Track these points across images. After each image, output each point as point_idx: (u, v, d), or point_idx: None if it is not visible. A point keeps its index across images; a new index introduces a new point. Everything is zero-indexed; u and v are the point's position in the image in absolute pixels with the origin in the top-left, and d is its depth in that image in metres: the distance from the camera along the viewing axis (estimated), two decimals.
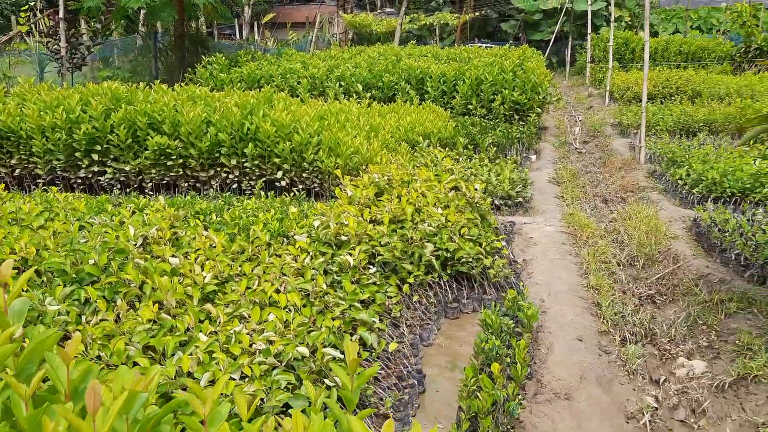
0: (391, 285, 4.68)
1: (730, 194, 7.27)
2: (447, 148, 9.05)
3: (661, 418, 3.70)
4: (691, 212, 7.16)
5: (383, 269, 4.87)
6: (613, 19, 19.90)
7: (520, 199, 7.53)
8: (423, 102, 11.36)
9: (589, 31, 20.37)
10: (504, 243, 5.83)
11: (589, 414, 3.66)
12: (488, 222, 5.79)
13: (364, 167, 7.29)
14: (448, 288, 4.96)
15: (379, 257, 4.86)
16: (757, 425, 3.50)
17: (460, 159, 8.47)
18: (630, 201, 8.05)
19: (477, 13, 29.56)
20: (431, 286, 4.95)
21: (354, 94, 11.80)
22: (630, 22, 28.53)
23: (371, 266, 4.76)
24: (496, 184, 7.43)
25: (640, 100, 15.06)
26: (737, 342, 4.19)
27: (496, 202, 7.35)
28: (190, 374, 3.24)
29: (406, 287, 4.67)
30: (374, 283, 4.60)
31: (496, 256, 5.38)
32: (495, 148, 9.28)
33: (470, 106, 11.35)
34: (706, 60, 21.87)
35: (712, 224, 6.35)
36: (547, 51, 24.09)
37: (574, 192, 8.31)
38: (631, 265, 6.02)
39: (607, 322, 4.64)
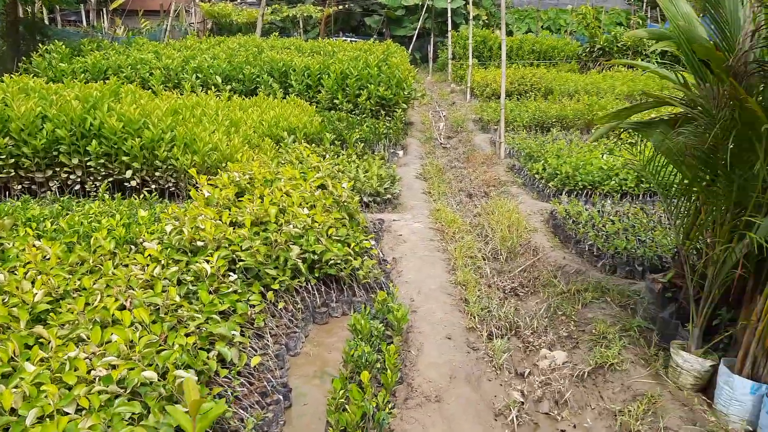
0: (254, 293, 4.39)
1: (582, 187, 7.68)
2: (314, 144, 8.82)
3: (527, 412, 3.73)
4: (548, 205, 7.47)
5: (245, 276, 4.56)
6: (471, 17, 20.63)
7: (389, 196, 7.47)
8: (287, 96, 11.03)
9: (449, 28, 20.95)
10: (373, 242, 5.71)
11: (459, 415, 3.61)
12: (357, 221, 5.64)
13: (223, 165, 6.87)
14: (316, 292, 4.74)
15: (241, 263, 4.54)
16: (614, 413, 3.62)
17: (327, 155, 8.27)
18: (492, 195, 8.28)
19: (341, 7, 29.48)
20: (298, 291, 4.71)
21: (212, 87, 11.21)
22: (487, 21, 29.82)
23: (231, 273, 4.44)
24: (364, 181, 7.32)
25: (499, 97, 15.73)
26: (594, 331, 4.36)
27: (365, 199, 7.24)
28: (14, 411, 2.78)
29: (270, 294, 4.40)
30: (235, 292, 4.29)
31: (366, 257, 5.24)
32: (362, 144, 9.18)
33: (336, 101, 11.18)
34: (556, 58, 23.30)
35: (567, 217, 6.65)
36: (411, 47, 24.53)
37: (440, 187, 8.41)
38: (496, 258, 6.15)
39: (475, 318, 4.66)
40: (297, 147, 7.66)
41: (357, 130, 9.60)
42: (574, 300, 4.88)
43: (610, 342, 4.16)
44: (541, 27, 30.61)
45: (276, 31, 24.10)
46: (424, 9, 25.05)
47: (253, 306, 4.27)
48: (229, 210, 5.21)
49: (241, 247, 4.63)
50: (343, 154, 8.51)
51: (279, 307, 4.44)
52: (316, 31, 28.48)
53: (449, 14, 20.52)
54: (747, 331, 3.42)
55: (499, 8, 30.50)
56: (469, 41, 17.46)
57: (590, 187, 7.69)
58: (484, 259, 6.01)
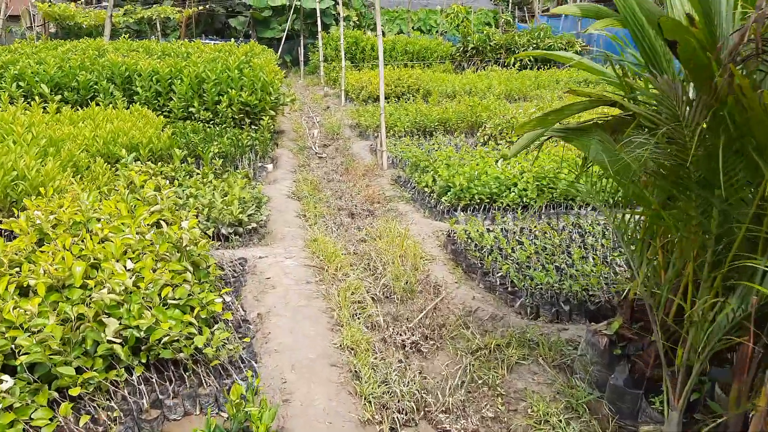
0: (41, 406, 2.90)
1: (478, 201, 6.72)
2: (161, 163, 7.24)
3: None
4: (443, 225, 6.44)
5: (30, 376, 3.06)
6: (342, 18, 19.53)
7: (254, 225, 6.09)
8: (132, 105, 9.28)
9: (319, 29, 19.73)
10: (230, 297, 4.34)
11: None
12: (206, 271, 4.24)
13: (34, 198, 5.20)
14: (144, 386, 3.31)
15: (23, 357, 3.04)
16: None
17: (178, 177, 6.75)
18: (378, 214, 7.14)
19: (202, 8, 27.37)
20: (117, 389, 3.26)
21: (37, 97, 9.22)
22: (358, 22, 28.93)
23: (5, 377, 2.93)
24: (221, 208, 5.89)
25: (376, 100, 14.71)
26: (530, 411, 3.28)
27: (224, 231, 5.81)
28: None
29: (64, 408, 2.93)
30: (10, 408, 2.79)
31: (219, 323, 3.87)
32: (222, 160, 7.71)
33: (192, 109, 9.58)
34: (430, 59, 22.80)
35: (468, 240, 5.63)
36: (280, 50, 23.05)
37: (317, 208, 7.13)
38: (389, 298, 4.99)
39: (371, 403, 3.43)
40: (130, 169, 6.08)
41: (215, 143, 8.10)
42: (496, 361, 3.80)
43: (555, 429, 3.09)
44: (412, 28, 30.20)
45: (128, 34, 21.71)
46: (292, 10, 23.65)
47: (39, 429, 2.79)
48: (20, 269, 3.67)
49: (25, 329, 3.12)
50: (198, 174, 7.02)
51: (81, 424, 2.97)
52: (177, 34, 26.21)
53: (318, 15, 19.29)
54: (754, 419, 2.45)
55: (369, 8, 29.73)
56: (340, 42, 16.34)
57: (488, 200, 6.75)
58: (375, 302, 4.83)
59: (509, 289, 4.72)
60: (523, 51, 20.20)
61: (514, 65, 19.80)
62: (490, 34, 20.88)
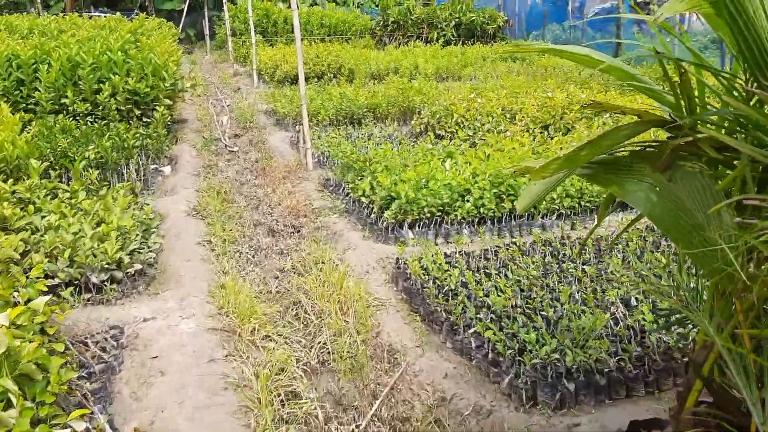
0: None
1: (429, 214, 5.46)
2: (14, 179, 5.55)
3: None
4: (389, 249, 5.14)
5: None
6: None
7: (140, 266, 4.57)
8: None
9: (224, 0, 17.78)
10: (94, 406, 2.90)
11: None
12: (45, 383, 2.75)
13: None
14: None
15: None
16: None
17: (35, 200, 5.10)
18: (306, 232, 5.76)
19: None
20: None
21: None
22: None
23: None
24: (90, 248, 4.33)
25: (293, 81, 13.14)
26: None
27: (94, 279, 4.27)
28: None
29: None
30: None
31: None
32: (98, 171, 6.07)
33: (65, 101, 7.77)
34: (348, 33, 21.29)
35: (425, 274, 4.37)
36: (182, 23, 20.84)
37: (226, 230, 5.66)
38: (327, 366, 3.67)
39: None
40: None
41: (91, 147, 6.42)
42: None
43: None
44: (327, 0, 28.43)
45: (8, 9, 18.91)
46: None
47: None
48: None
49: None
50: (66, 191, 5.38)
51: None
52: (62, 6, 23.33)
53: None
54: None
55: None
56: (249, 15, 14.57)
57: (439, 213, 5.50)
58: (309, 374, 3.50)
59: (489, 355, 3.50)
60: (446, 25, 19.09)
61: (437, 41, 18.62)
62: (410, 7, 19.56)
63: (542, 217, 5.67)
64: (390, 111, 9.77)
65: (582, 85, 10.42)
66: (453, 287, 4.14)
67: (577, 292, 4.13)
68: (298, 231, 5.88)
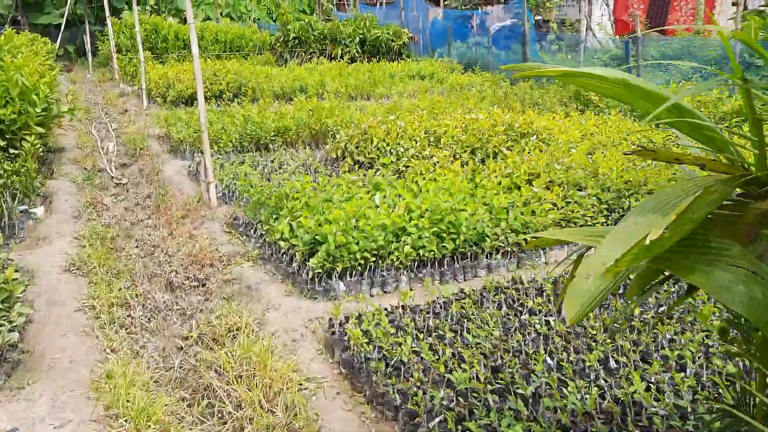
0: None
1: (362, 260, 4.69)
2: None
3: None
4: (319, 307, 4.33)
5: None
6: (135, 1, 16.23)
7: None
8: None
9: (108, 14, 16.28)
10: None
11: None
12: None
13: None
14: None
15: None
16: None
17: None
18: (214, 286, 4.83)
19: None
20: None
21: None
22: (156, 7, 25.27)
23: None
24: None
25: (188, 101, 12.00)
26: None
27: None
28: None
29: None
30: None
31: None
32: None
33: None
34: (246, 49, 20.26)
35: (368, 344, 3.60)
36: (59, 38, 18.97)
37: (113, 289, 4.62)
38: None
39: None
40: None
41: None
42: None
43: None
44: (221, 14, 27.13)
45: None
46: None
47: None
48: None
49: None
50: None
51: None
52: None
53: None
54: None
55: None
56: (136, 30, 13.28)
57: (374, 258, 4.75)
58: None
59: None
60: (351, 41, 18.47)
61: (342, 57, 17.99)
62: (312, 22, 18.82)
63: (487, 256, 5.05)
64: (301, 134, 8.95)
65: (498, 104, 10.08)
66: (406, 358, 3.40)
67: (549, 355, 3.51)
68: (204, 285, 4.93)
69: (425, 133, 7.66)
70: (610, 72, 1.76)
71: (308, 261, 4.68)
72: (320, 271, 4.59)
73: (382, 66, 16.28)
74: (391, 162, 6.84)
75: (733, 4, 19.20)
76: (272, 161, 7.90)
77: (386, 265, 4.78)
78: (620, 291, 4.32)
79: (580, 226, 5.36)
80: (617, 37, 17.18)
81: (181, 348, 4.05)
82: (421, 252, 4.82)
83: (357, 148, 7.76)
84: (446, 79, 14.18)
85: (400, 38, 19.11)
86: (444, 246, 4.87)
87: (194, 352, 3.93)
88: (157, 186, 7.47)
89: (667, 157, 1.66)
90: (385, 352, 3.50)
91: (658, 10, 17.96)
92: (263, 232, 5.48)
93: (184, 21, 24.41)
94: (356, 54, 18.35)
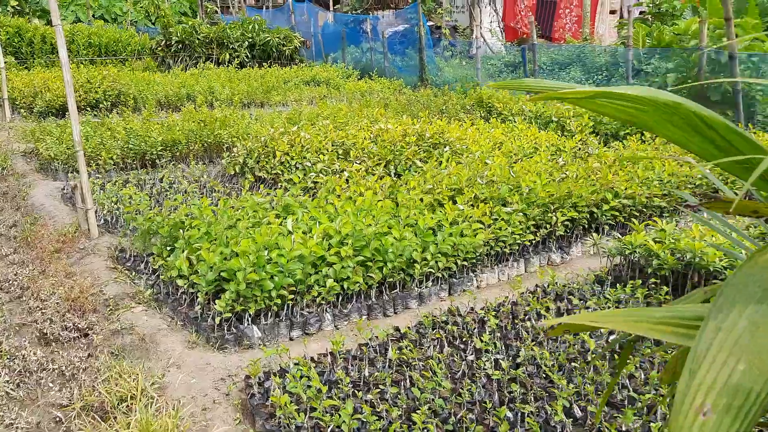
0: None
1: (279, 300, 4.06)
2: None
3: None
4: (232, 361, 3.66)
5: None
6: None
7: None
8: None
9: None
10: None
11: None
12: None
13: None
14: None
15: None
16: None
17: None
18: (98, 338, 4.02)
19: None
20: None
21: None
22: (19, 7, 22.99)
23: None
24: None
25: (58, 112, 10.73)
26: None
27: None
28: None
29: None
30: None
31: None
32: None
33: None
34: (124, 54, 18.82)
35: (297, 410, 3.01)
36: None
37: None
38: None
39: None
40: None
41: None
42: None
43: None
44: (93, 16, 25.13)
45: None
46: None
47: None
48: None
49: None
50: None
51: None
52: None
53: None
54: None
55: None
56: None
57: (292, 296, 4.14)
58: None
59: None
60: (239, 46, 17.50)
61: (230, 63, 17.03)
62: (196, 25, 17.69)
63: (417, 285, 4.59)
64: (192, 148, 8.10)
65: (403, 112, 9.72)
66: (344, 428, 2.83)
67: (507, 406, 3.08)
68: (86, 336, 4.11)
69: (333, 145, 7.11)
70: (653, 93, 1.30)
71: (214, 303, 3.99)
72: (229, 315, 3.92)
73: (274, 71, 15.55)
74: (300, 179, 6.22)
75: (611, 12, 20.17)
76: (161, 180, 7.05)
77: (306, 301, 4.18)
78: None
79: (510, 245, 5.03)
80: (508, 43, 17.46)
81: (60, 419, 3.27)
82: (345, 284, 4.27)
83: (258, 163, 7.08)
84: (343, 86, 13.69)
85: (291, 42, 18.42)
86: (370, 276, 4.35)
87: (78, 427, 3.16)
88: (24, 213, 6.40)
89: (744, 209, 1.24)
90: (319, 420, 2.92)
91: (545, 17, 18.46)
92: (157, 268, 4.70)
93: (49, 23, 22.34)
94: (246, 59, 17.46)
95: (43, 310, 4.41)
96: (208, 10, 22.93)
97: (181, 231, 4.73)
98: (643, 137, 7.86)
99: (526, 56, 11.52)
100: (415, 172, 6.77)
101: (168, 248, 4.72)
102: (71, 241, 5.49)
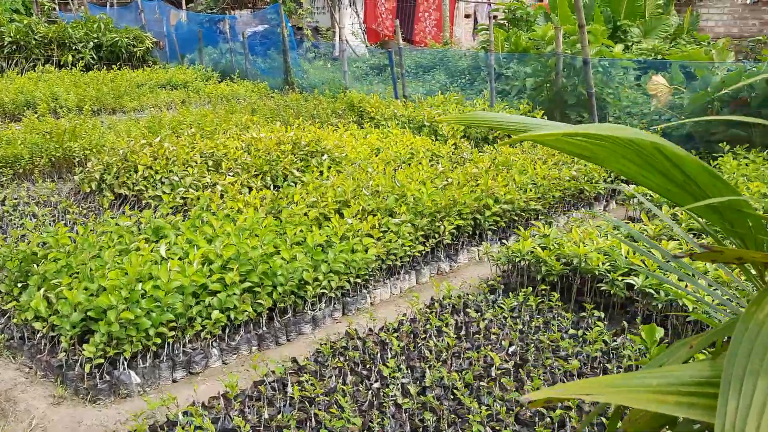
0: None
1: (159, 339, 3.61)
2: None
3: None
4: (109, 415, 3.18)
5: None
6: None
7: None
8: None
9: None
10: None
11: None
12: None
13: None
14: None
15: None
16: None
17: None
18: None
19: None
20: None
21: None
22: None
23: None
24: None
25: None
26: None
27: None
28: None
29: None
30: None
31: None
32: None
33: None
34: None
35: None
36: None
37: None
38: None
39: None
40: None
41: None
42: None
43: None
44: None
45: None
46: None
47: None
48: None
49: None
50: None
51: None
52: None
53: None
54: None
55: None
56: None
57: (173, 332, 3.70)
58: None
59: None
60: (83, 47, 16.05)
61: (74, 65, 15.57)
62: (32, 24, 16.00)
63: (309, 307, 4.32)
64: (37, 164, 7.21)
65: (273, 118, 9.35)
66: None
67: None
68: None
69: (201, 156, 6.62)
70: (631, 133, 1.18)
71: (81, 347, 3.48)
72: (101, 360, 3.43)
73: (125, 74, 14.42)
74: (170, 198, 5.69)
75: (466, 16, 20.95)
76: (2, 202, 6.18)
77: (189, 336, 3.78)
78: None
79: (401, 257, 4.91)
80: (372, 45, 17.54)
81: None
82: (231, 314, 3.91)
83: (117, 178, 6.42)
84: (204, 89, 12.98)
85: (143, 43, 17.23)
86: (259, 303, 4.02)
87: None
88: None
89: (731, 256, 1.14)
90: None
91: (405, 20, 18.76)
92: (7, 309, 4.05)
93: None
94: (92, 61, 16.07)
95: None
96: (45, 7, 20.86)
97: (34, 264, 4.11)
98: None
99: (393, 59, 11.56)
100: (293, 182, 6.49)
101: (19, 285, 4.09)
102: None
